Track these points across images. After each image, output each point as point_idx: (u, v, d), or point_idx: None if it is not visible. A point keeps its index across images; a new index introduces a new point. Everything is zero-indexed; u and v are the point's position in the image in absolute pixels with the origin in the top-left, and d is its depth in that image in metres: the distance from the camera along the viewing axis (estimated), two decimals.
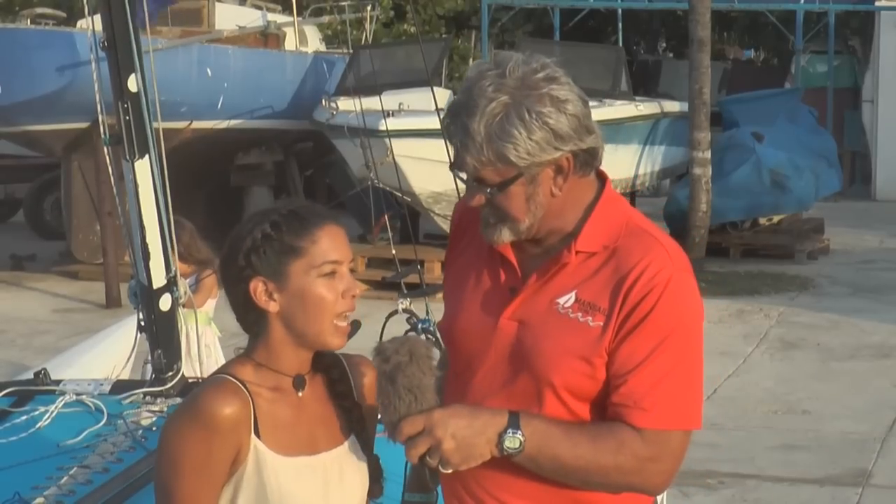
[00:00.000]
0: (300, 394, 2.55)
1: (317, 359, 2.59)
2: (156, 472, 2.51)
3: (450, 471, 2.47)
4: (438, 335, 2.69)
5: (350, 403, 2.62)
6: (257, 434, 2.47)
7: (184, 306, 4.44)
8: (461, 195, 2.72)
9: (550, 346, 2.53)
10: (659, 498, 2.72)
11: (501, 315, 2.59)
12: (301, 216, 2.52)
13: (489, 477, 2.56)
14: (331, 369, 2.63)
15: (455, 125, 2.51)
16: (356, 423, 2.62)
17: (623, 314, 2.51)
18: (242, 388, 2.47)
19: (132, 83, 4.17)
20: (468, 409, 2.49)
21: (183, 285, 4.37)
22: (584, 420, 2.54)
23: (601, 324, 2.52)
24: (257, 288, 2.49)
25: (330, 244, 2.51)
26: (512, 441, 2.45)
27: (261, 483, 2.48)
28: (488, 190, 2.52)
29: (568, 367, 2.52)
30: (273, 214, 2.52)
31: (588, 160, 2.55)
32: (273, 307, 2.50)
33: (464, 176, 2.55)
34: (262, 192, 14.84)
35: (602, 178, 2.65)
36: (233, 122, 14.03)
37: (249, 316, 2.53)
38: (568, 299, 2.55)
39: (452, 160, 2.55)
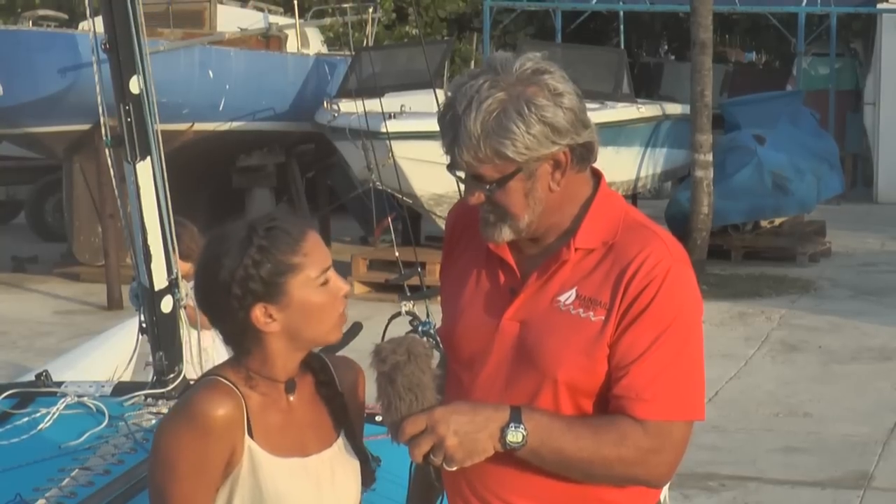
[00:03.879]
0: (291, 398, 2.55)
1: (303, 361, 2.58)
2: (150, 475, 2.50)
3: (454, 468, 2.47)
4: (438, 339, 2.69)
5: (337, 405, 2.62)
6: (251, 435, 2.47)
7: (185, 308, 4.44)
8: (462, 197, 2.73)
9: (554, 343, 2.54)
10: (662, 497, 2.72)
11: (503, 316, 2.60)
12: (284, 230, 2.49)
13: (493, 476, 2.56)
14: (317, 372, 2.63)
15: (449, 126, 2.51)
16: (344, 424, 2.62)
17: (623, 307, 2.52)
18: (234, 389, 2.47)
19: (134, 85, 4.17)
20: (469, 406, 2.49)
21: (185, 287, 4.36)
22: (587, 415, 2.55)
23: (602, 318, 2.53)
24: (259, 314, 2.48)
25: (318, 252, 2.51)
26: (514, 435, 2.46)
27: (256, 484, 2.48)
28: (487, 187, 2.53)
29: (572, 363, 2.52)
30: (252, 238, 2.47)
31: (585, 154, 2.56)
32: (274, 328, 2.49)
33: (461, 175, 2.56)
34: (263, 193, 14.82)
35: (597, 175, 2.66)
36: (234, 124, 14.01)
37: (246, 341, 2.51)
38: (569, 296, 2.56)
39: (448, 161, 2.55)
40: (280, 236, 2.48)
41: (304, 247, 2.49)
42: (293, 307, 2.48)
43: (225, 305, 2.48)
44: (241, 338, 2.51)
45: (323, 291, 2.50)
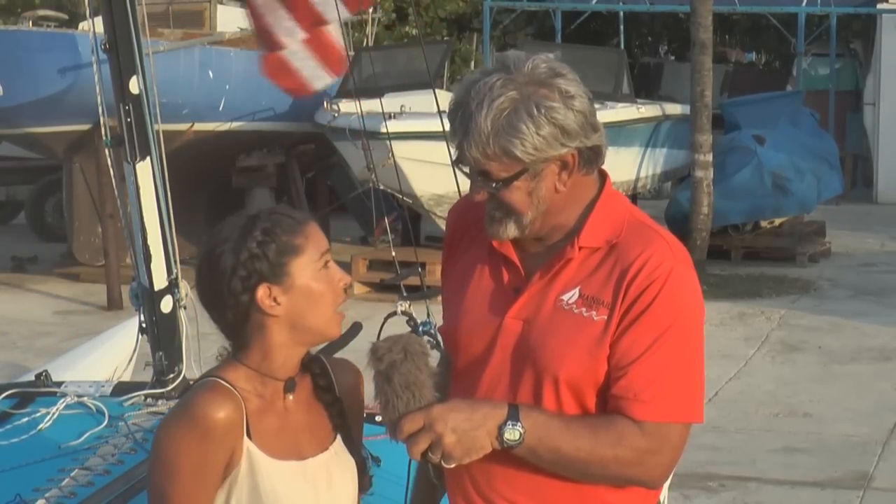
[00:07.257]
0: (290, 397, 2.55)
1: (302, 364, 2.58)
2: (149, 477, 2.50)
3: (452, 465, 2.47)
4: (439, 337, 2.69)
5: (334, 408, 2.62)
6: (249, 436, 2.47)
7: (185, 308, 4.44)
8: (466, 193, 2.73)
9: (556, 342, 2.54)
10: (662, 497, 2.73)
11: (506, 314, 2.60)
12: (287, 215, 2.53)
13: (497, 475, 2.57)
14: (316, 375, 2.62)
15: (460, 120, 2.51)
16: (340, 426, 2.62)
17: (625, 306, 2.52)
18: (233, 390, 2.47)
19: (133, 85, 4.17)
20: (467, 403, 2.50)
21: (185, 287, 4.36)
22: (588, 414, 2.55)
23: (605, 318, 2.53)
24: (264, 296, 2.48)
25: (318, 236, 2.54)
26: (512, 433, 2.46)
27: (254, 485, 2.48)
28: (493, 185, 2.53)
29: (574, 363, 2.53)
30: (256, 222, 2.50)
31: (592, 158, 2.57)
32: (278, 311, 2.49)
33: (467, 170, 2.56)
34: (263, 193, 14.82)
35: (602, 176, 2.66)
36: (234, 125, 14.00)
37: (248, 327, 2.51)
38: (572, 295, 2.56)
39: (456, 155, 2.55)
40: (283, 219, 2.52)
41: (306, 229, 2.52)
42: (296, 290, 2.49)
43: (228, 292, 2.48)
44: (244, 326, 2.51)
45: (323, 277, 2.51)
